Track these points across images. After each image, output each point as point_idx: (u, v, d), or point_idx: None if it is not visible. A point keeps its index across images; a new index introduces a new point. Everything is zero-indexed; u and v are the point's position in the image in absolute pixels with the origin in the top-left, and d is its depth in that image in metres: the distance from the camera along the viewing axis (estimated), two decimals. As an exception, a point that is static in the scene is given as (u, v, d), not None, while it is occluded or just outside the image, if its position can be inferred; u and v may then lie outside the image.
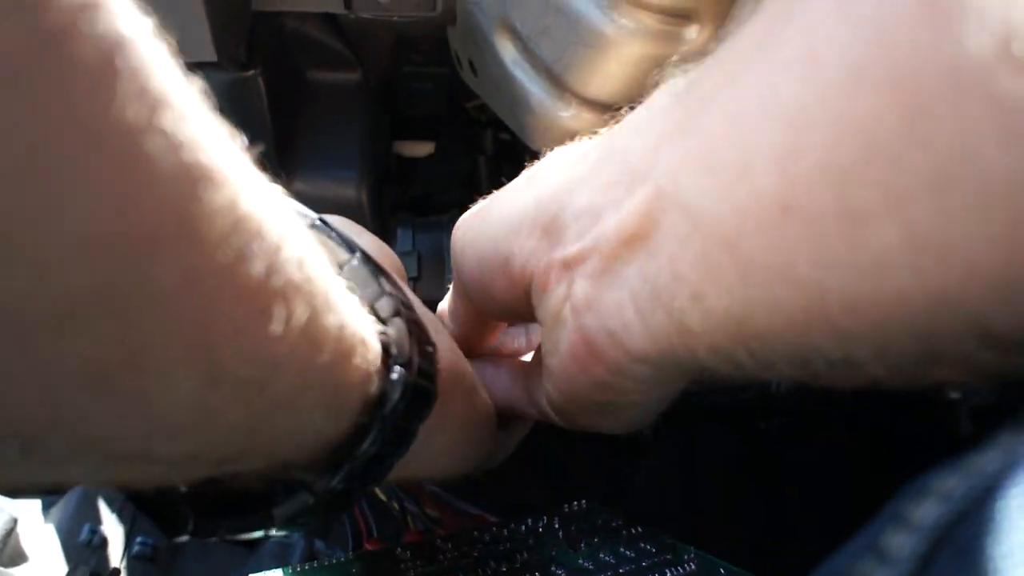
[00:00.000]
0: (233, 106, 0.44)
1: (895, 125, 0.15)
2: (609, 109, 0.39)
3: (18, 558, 0.35)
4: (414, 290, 0.48)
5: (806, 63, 0.17)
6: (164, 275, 0.14)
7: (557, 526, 0.33)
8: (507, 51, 0.40)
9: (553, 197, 0.27)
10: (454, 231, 0.32)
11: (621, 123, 0.27)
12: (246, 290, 0.15)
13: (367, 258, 0.24)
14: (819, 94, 0.17)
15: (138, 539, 0.38)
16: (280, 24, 0.46)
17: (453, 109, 0.54)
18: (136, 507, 0.21)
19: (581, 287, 0.25)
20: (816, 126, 0.17)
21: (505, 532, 0.32)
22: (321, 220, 0.25)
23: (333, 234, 0.24)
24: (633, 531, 0.33)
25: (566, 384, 0.27)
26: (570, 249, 0.25)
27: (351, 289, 0.22)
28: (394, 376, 0.22)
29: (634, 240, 0.23)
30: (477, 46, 0.43)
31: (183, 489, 0.21)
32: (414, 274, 0.48)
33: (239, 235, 0.15)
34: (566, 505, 0.35)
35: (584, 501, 0.35)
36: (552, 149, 0.43)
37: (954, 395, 0.56)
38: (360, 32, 0.48)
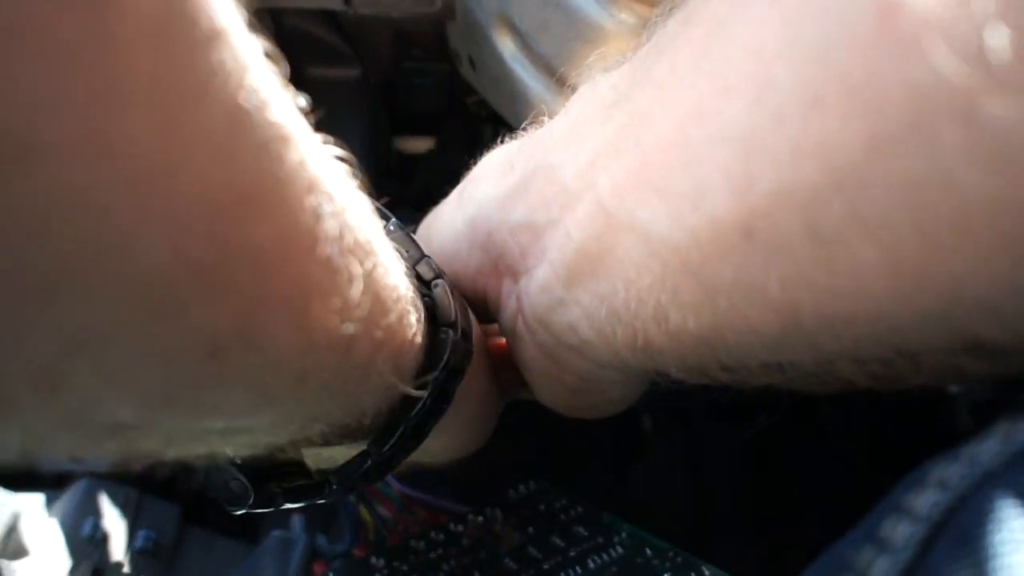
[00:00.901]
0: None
1: (859, 152, 0.14)
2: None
3: (20, 552, 0.35)
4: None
5: (753, 85, 0.16)
6: (263, 236, 0.14)
7: (502, 515, 0.33)
8: (506, 46, 0.40)
9: (484, 216, 0.26)
10: None
11: (543, 132, 0.26)
12: (325, 250, 0.16)
13: (400, 225, 0.25)
14: (770, 118, 0.16)
15: (141, 533, 0.38)
16: (279, 20, 0.46)
17: (453, 105, 0.54)
18: (193, 483, 0.22)
19: (529, 305, 0.24)
20: (770, 151, 0.16)
21: (461, 527, 0.33)
22: None
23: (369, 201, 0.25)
24: (573, 512, 0.33)
25: (544, 390, 0.28)
26: (512, 266, 0.25)
27: (396, 251, 0.22)
28: (442, 336, 0.23)
29: (582, 261, 0.22)
30: (476, 41, 0.43)
31: (239, 462, 0.21)
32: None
33: (315, 194, 0.15)
34: (512, 490, 0.35)
35: (532, 481, 0.36)
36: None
37: (953, 389, 0.56)
38: (359, 28, 0.48)
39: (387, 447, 0.23)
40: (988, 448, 0.18)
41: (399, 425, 0.23)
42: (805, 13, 0.15)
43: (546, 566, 0.30)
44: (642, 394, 0.56)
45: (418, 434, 0.24)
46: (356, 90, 0.50)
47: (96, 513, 0.39)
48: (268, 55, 0.15)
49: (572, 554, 0.30)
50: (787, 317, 0.17)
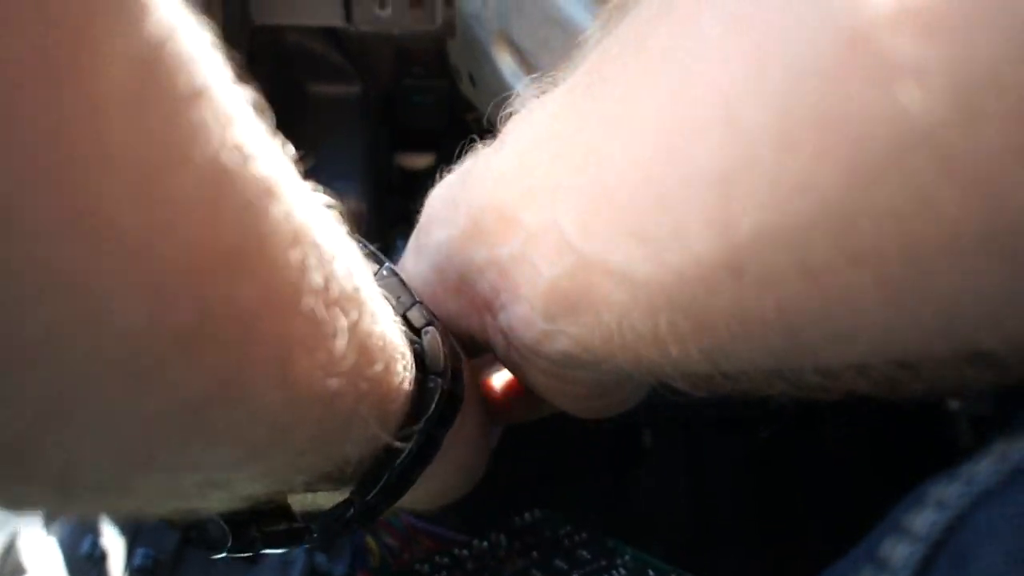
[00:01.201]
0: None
1: (840, 187, 0.14)
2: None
3: (18, 571, 0.34)
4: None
5: (723, 126, 0.16)
6: (247, 294, 0.14)
7: (507, 541, 0.33)
8: (506, 63, 0.40)
9: (446, 259, 0.26)
10: None
11: (481, 166, 0.26)
12: (310, 303, 0.15)
13: (394, 270, 0.25)
14: (744, 159, 0.15)
15: (139, 551, 0.38)
16: (280, 37, 0.46)
17: (453, 121, 0.54)
18: (174, 527, 0.21)
19: (516, 338, 0.24)
20: (748, 192, 0.15)
21: (466, 552, 0.33)
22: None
23: (362, 244, 0.24)
24: (577, 538, 0.33)
25: (558, 401, 0.27)
26: (489, 303, 0.25)
27: (386, 299, 0.22)
28: (431, 385, 0.23)
29: (557, 296, 0.21)
30: (476, 58, 0.43)
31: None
32: (414, 286, 0.48)
33: (300, 247, 0.15)
34: (517, 517, 0.35)
35: (536, 509, 0.36)
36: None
37: (954, 405, 0.56)
38: (360, 45, 0.48)
39: (371, 495, 0.22)
40: (985, 467, 0.18)
41: (383, 474, 0.22)
42: (769, 49, 0.15)
43: None
44: (642, 404, 0.56)
45: (404, 481, 0.23)
46: (357, 107, 0.50)
47: (94, 531, 0.38)
48: (254, 105, 0.14)
49: (577, 574, 0.30)
50: (787, 337, 0.17)
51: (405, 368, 0.22)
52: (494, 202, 0.23)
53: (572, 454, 0.71)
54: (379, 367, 0.19)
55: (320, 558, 0.40)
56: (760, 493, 0.72)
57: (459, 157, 0.60)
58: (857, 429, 0.67)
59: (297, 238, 0.15)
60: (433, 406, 0.23)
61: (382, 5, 0.43)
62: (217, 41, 0.13)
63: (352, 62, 0.48)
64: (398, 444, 0.22)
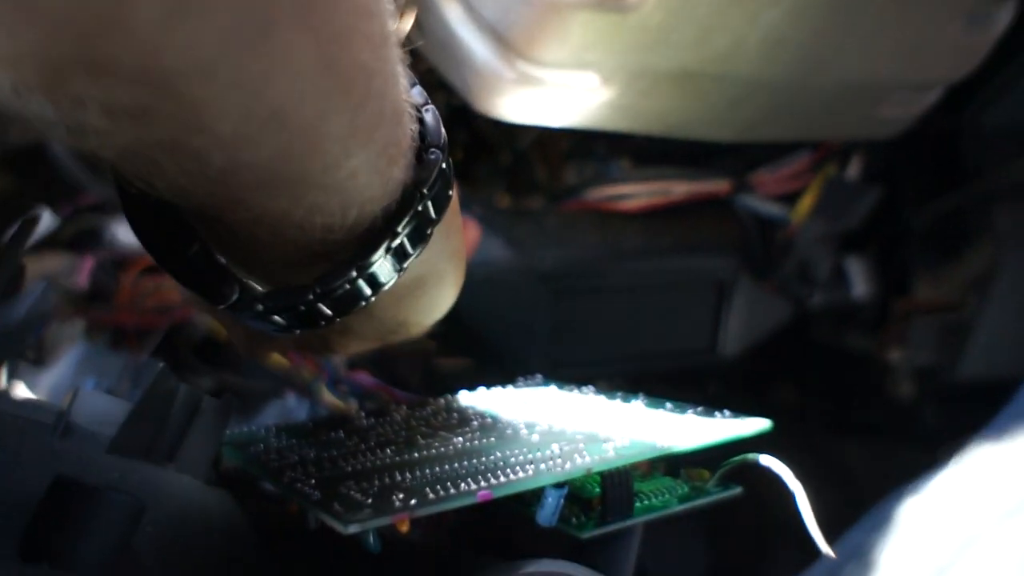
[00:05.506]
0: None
1: None
2: (554, 70, 0.39)
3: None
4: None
5: None
6: None
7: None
8: (452, 10, 0.39)
9: None
10: None
11: None
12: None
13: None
14: None
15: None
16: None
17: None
18: (184, 279, 0.23)
19: None
20: None
21: (441, 401, 0.34)
22: None
23: None
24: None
25: None
26: None
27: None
28: (432, 156, 0.23)
29: None
30: (422, 7, 0.42)
31: (223, 262, 0.23)
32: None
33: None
34: (520, 379, 0.37)
35: (539, 375, 0.38)
36: (498, 111, 0.43)
37: (895, 357, 0.57)
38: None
39: (376, 256, 0.23)
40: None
41: (386, 237, 0.23)
42: None
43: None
44: (594, 359, 0.56)
45: (404, 254, 0.23)
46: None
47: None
48: None
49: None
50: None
51: (412, 129, 0.22)
52: None
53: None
54: (391, 102, 0.21)
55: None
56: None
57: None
58: (803, 384, 0.69)
59: None
60: (435, 176, 0.23)
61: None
62: None
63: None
64: (393, 203, 0.22)
